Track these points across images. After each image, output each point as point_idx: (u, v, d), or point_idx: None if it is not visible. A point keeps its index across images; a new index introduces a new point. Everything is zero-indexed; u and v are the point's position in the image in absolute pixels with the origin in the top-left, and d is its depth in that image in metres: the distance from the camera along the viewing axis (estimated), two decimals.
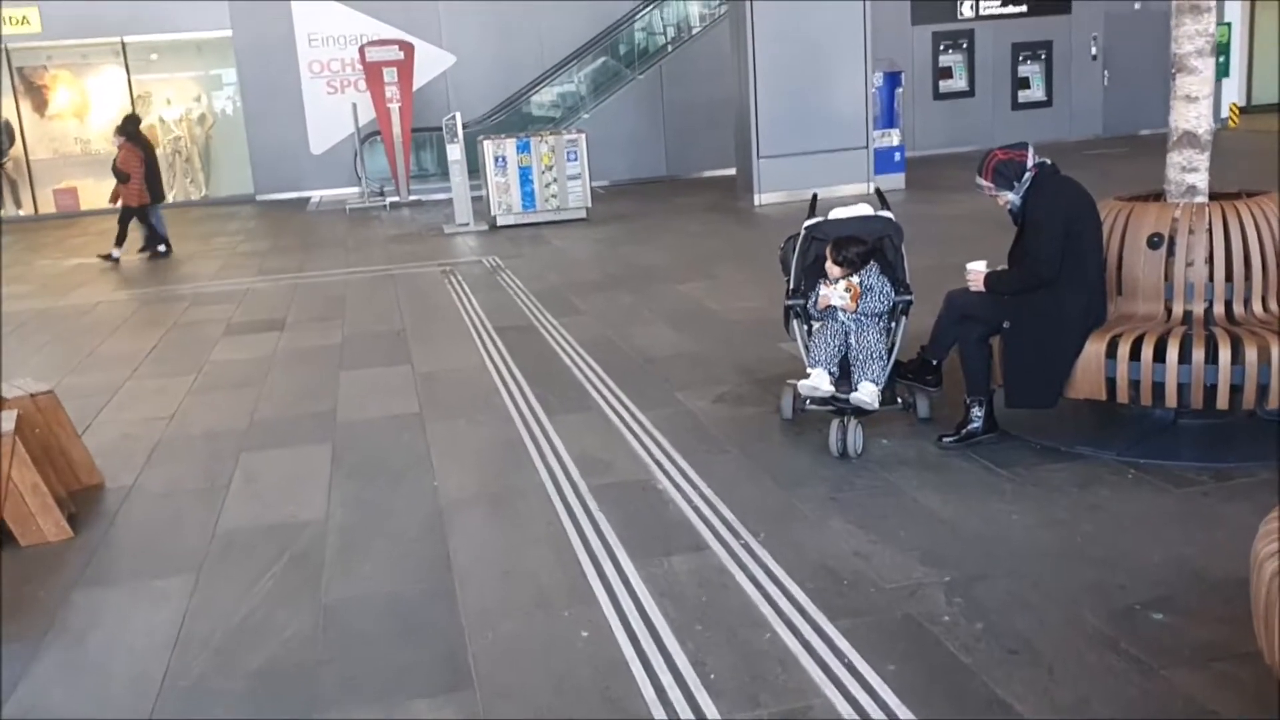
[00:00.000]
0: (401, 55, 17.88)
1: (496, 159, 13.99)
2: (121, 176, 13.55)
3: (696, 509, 4.59)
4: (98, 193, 18.22)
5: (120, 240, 13.67)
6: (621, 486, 4.91)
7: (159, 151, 19.89)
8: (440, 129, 15.16)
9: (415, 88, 18.22)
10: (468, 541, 4.44)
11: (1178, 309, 4.89)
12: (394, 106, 17.84)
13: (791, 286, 5.56)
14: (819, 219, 5.58)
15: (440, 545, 4.41)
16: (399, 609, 3.90)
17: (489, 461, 5.43)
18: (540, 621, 3.73)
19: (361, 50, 18.01)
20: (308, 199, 19.34)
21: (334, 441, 5.85)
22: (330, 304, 9.80)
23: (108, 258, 13.59)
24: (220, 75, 20.59)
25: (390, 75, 17.79)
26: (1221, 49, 19.63)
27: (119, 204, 13.78)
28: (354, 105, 18.12)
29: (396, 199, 18.02)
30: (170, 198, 20.41)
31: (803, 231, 5.60)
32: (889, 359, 5.17)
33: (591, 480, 4.99)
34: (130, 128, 13.90)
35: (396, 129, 17.92)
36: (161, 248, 13.94)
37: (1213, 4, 5.04)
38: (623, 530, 4.41)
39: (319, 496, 5.05)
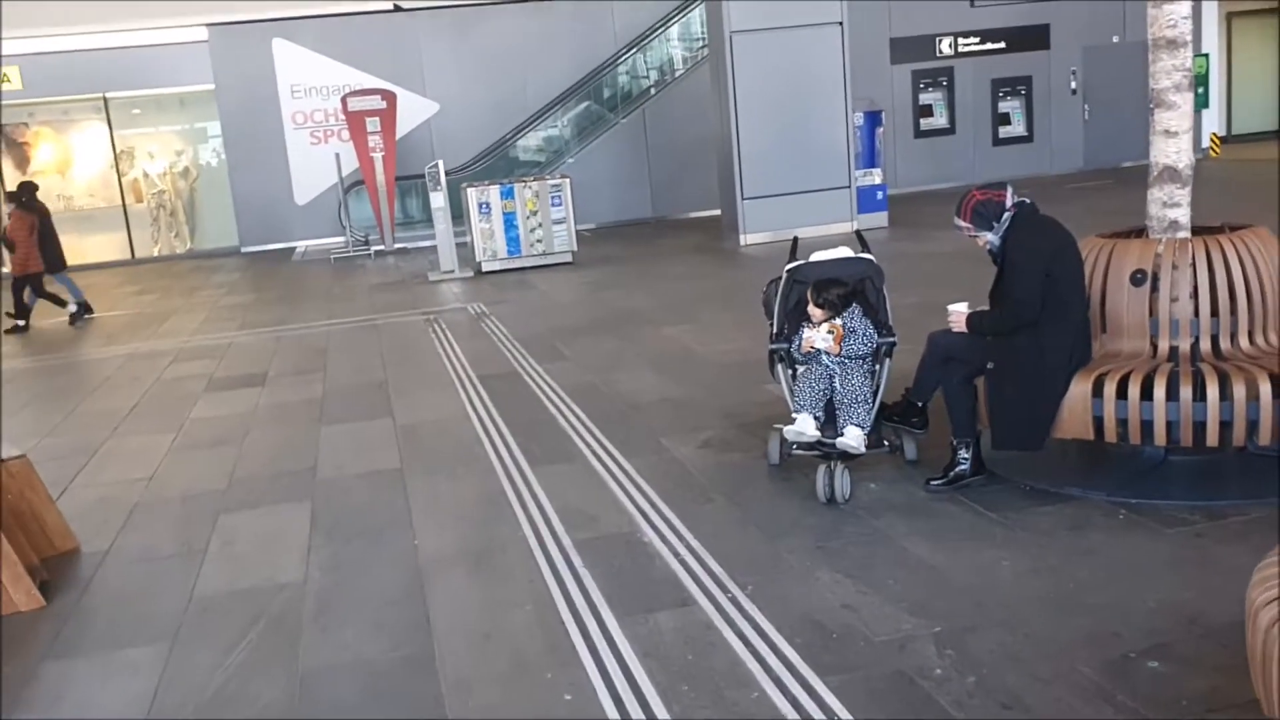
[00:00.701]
0: (384, 104, 17.94)
1: (480, 205, 13.98)
2: (9, 245, 13.00)
3: (683, 561, 4.50)
4: (80, 250, 18.21)
5: (18, 311, 13.00)
6: (606, 540, 4.82)
7: (142, 206, 19.96)
8: (424, 176, 15.17)
9: (398, 136, 18.27)
10: (448, 602, 4.34)
11: (1163, 345, 4.84)
12: (377, 155, 17.87)
13: (775, 330, 5.51)
14: (800, 262, 5.54)
15: (420, 607, 4.30)
16: (377, 676, 3.79)
17: (470, 517, 5.33)
18: (522, 685, 3.62)
19: (344, 100, 18.07)
20: (293, 249, 19.34)
21: (313, 500, 5.75)
22: (312, 356, 9.73)
23: (14, 330, 12.92)
24: (204, 128, 20.64)
25: (373, 124, 17.84)
26: (1200, 80, 19.78)
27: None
28: (337, 155, 18.15)
29: (381, 247, 18.00)
30: (155, 251, 20.48)
31: (784, 275, 5.55)
32: (874, 402, 5.10)
33: (575, 534, 4.90)
34: (23, 195, 13.28)
35: (380, 177, 17.95)
36: (73, 308, 13.32)
37: (1189, 39, 5.03)
38: (607, 586, 4.31)
39: (297, 558, 4.94)
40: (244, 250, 19.64)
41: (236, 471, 6.41)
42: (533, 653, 3.84)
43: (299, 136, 19.41)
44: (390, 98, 18.03)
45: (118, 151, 20.04)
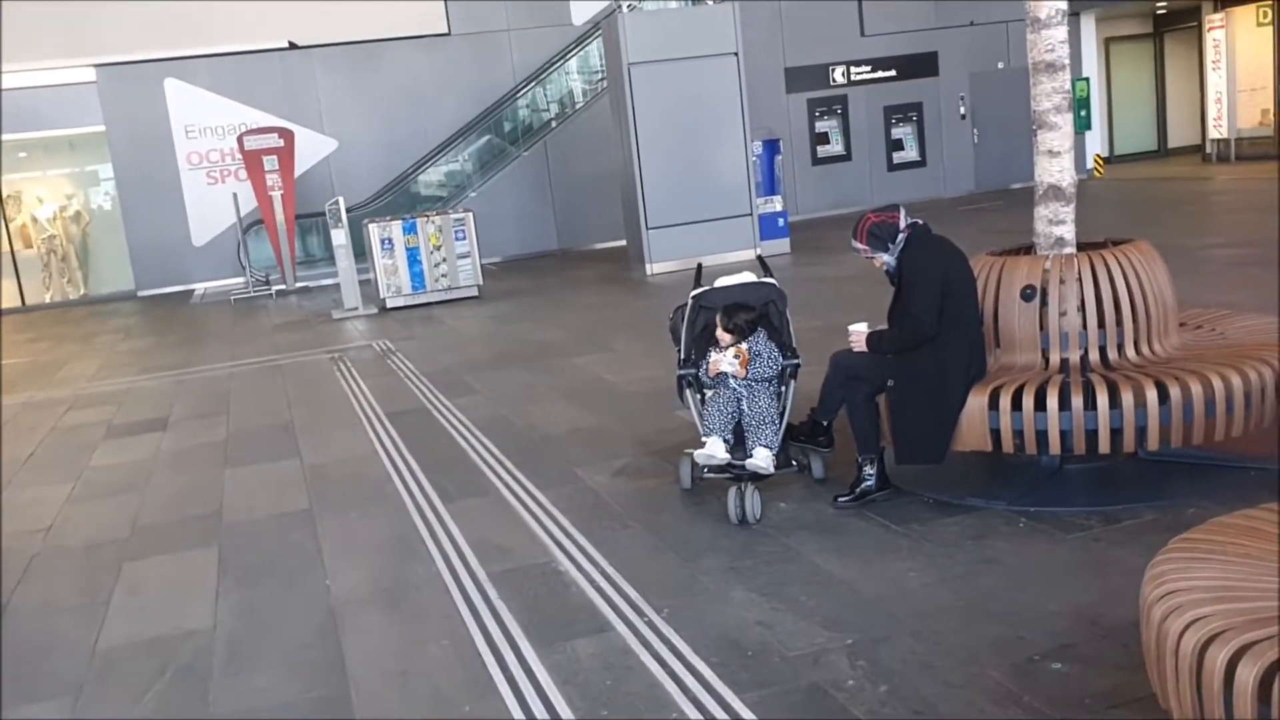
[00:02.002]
0: (281, 142, 17.73)
1: (383, 241, 13.89)
2: None
3: (599, 589, 4.52)
4: None
5: None
6: (522, 571, 4.81)
7: (32, 251, 19.41)
8: (324, 214, 15.03)
9: (297, 174, 18.07)
10: (363, 642, 4.29)
11: (1055, 358, 5.01)
12: (276, 194, 17.65)
13: (683, 356, 5.58)
14: (705, 288, 5.62)
15: (334, 648, 4.25)
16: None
17: (383, 555, 5.28)
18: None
19: (240, 139, 17.83)
20: (191, 291, 18.96)
21: (220, 544, 5.64)
22: (215, 399, 9.54)
23: None
24: (95, 170, 20.19)
25: (271, 163, 17.62)
26: (1081, 103, 20.53)
27: None
28: (235, 195, 17.89)
29: (283, 287, 17.76)
30: (47, 298, 19.90)
31: (690, 301, 5.63)
32: (781, 423, 5.20)
33: (491, 568, 4.88)
34: None
35: (280, 216, 17.72)
36: None
37: (1066, 63, 5.24)
38: (524, 617, 4.31)
39: (205, 604, 4.84)
40: (141, 294, 19.20)
41: (140, 518, 6.26)
42: (450, 687, 3.82)
43: (195, 177, 19.08)
44: (288, 136, 17.84)
45: (4, 196, 19.48)
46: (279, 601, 4.82)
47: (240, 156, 17.96)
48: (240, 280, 18.17)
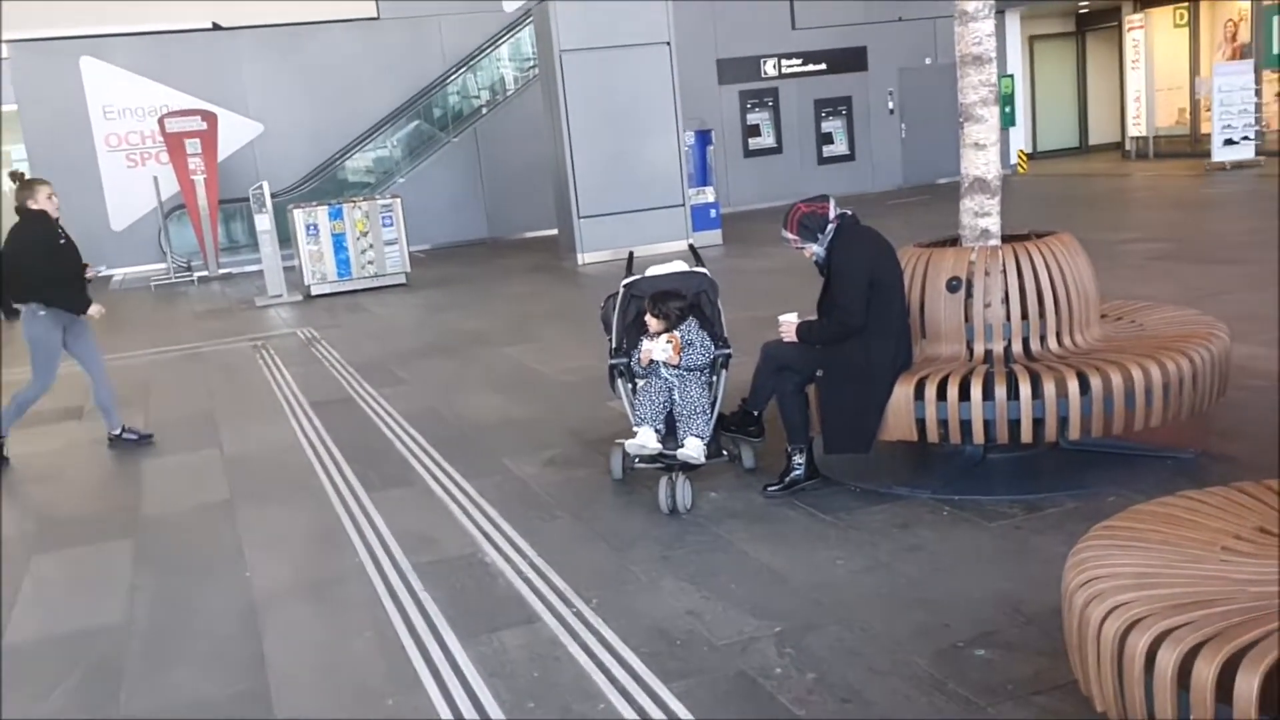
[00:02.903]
0: (204, 125, 17.37)
1: (308, 227, 13.68)
2: None
3: (527, 580, 4.47)
4: None
5: None
6: (448, 563, 4.75)
7: None
8: (249, 199, 14.75)
9: (221, 158, 17.73)
10: (284, 636, 4.20)
11: (979, 349, 5.06)
12: (199, 178, 17.29)
13: (614, 345, 5.55)
14: (636, 277, 5.60)
15: (254, 642, 4.16)
16: (209, 717, 3.64)
17: (305, 547, 5.19)
18: (362, 714, 3.54)
19: (161, 121, 17.42)
20: (110, 278, 18.48)
21: (137, 537, 5.49)
22: (133, 388, 9.29)
23: None
24: (8, 151, 19.58)
25: (193, 146, 17.26)
26: (1006, 99, 20.86)
27: None
28: (156, 178, 17.49)
29: (206, 273, 17.42)
30: None
31: (621, 290, 5.60)
32: (712, 413, 5.19)
33: (416, 559, 4.81)
34: None
35: (202, 201, 17.36)
36: None
37: (993, 56, 5.29)
38: (450, 609, 4.25)
39: (120, 598, 4.71)
40: None
41: (53, 510, 6.09)
42: (373, 680, 3.75)
43: (114, 159, 18.61)
44: (211, 119, 17.47)
45: None
46: (197, 595, 4.70)
47: (162, 139, 17.54)
48: (161, 266, 17.77)
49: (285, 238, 14.25)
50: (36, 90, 18.16)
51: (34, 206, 6.96)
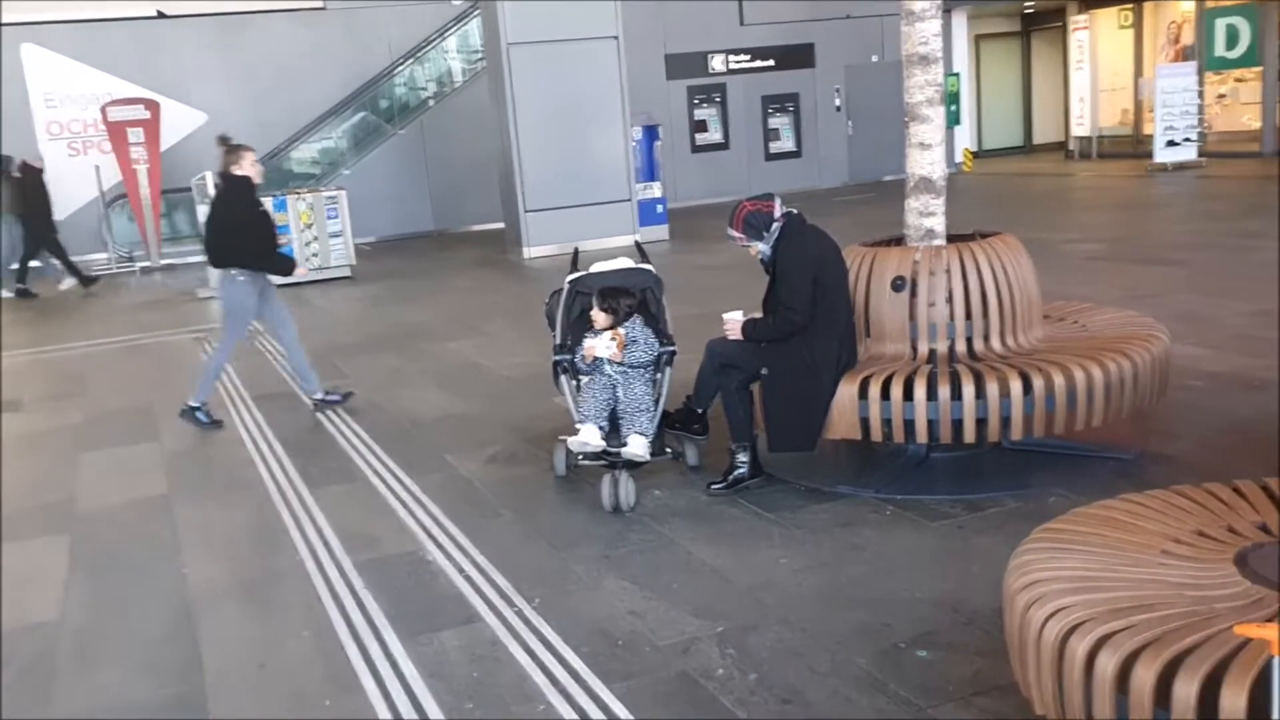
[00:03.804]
0: (147, 114, 17.04)
1: None
2: None
3: (468, 578, 4.43)
4: None
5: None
6: (388, 561, 4.70)
7: None
8: (191, 189, 14.49)
9: (164, 148, 17.38)
10: (220, 635, 4.13)
11: (923, 348, 5.09)
12: (141, 168, 16.96)
13: (558, 341, 5.51)
14: (582, 273, 5.56)
15: (189, 642, 4.08)
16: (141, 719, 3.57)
17: (244, 544, 5.11)
18: (299, 716, 3.48)
19: (104, 110, 17.07)
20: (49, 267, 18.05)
21: (71, 532, 5.38)
22: (70, 380, 9.12)
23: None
24: None
25: (136, 135, 16.92)
26: (951, 98, 21.04)
27: None
28: (97, 167, 17.14)
29: (148, 264, 17.10)
30: None
31: (566, 285, 5.56)
32: (656, 410, 5.18)
33: (356, 556, 4.75)
34: None
35: (145, 191, 17.02)
36: None
37: (940, 56, 5.31)
38: (390, 608, 4.20)
39: (52, 596, 4.60)
40: None
41: None
42: (311, 681, 3.70)
43: (55, 148, 18.15)
44: (154, 107, 17.15)
45: None
46: (132, 593, 4.61)
47: (104, 128, 17.18)
48: (102, 256, 17.42)
49: None
50: None
51: (238, 172, 6.94)
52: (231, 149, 7.07)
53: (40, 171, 15.06)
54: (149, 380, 8.90)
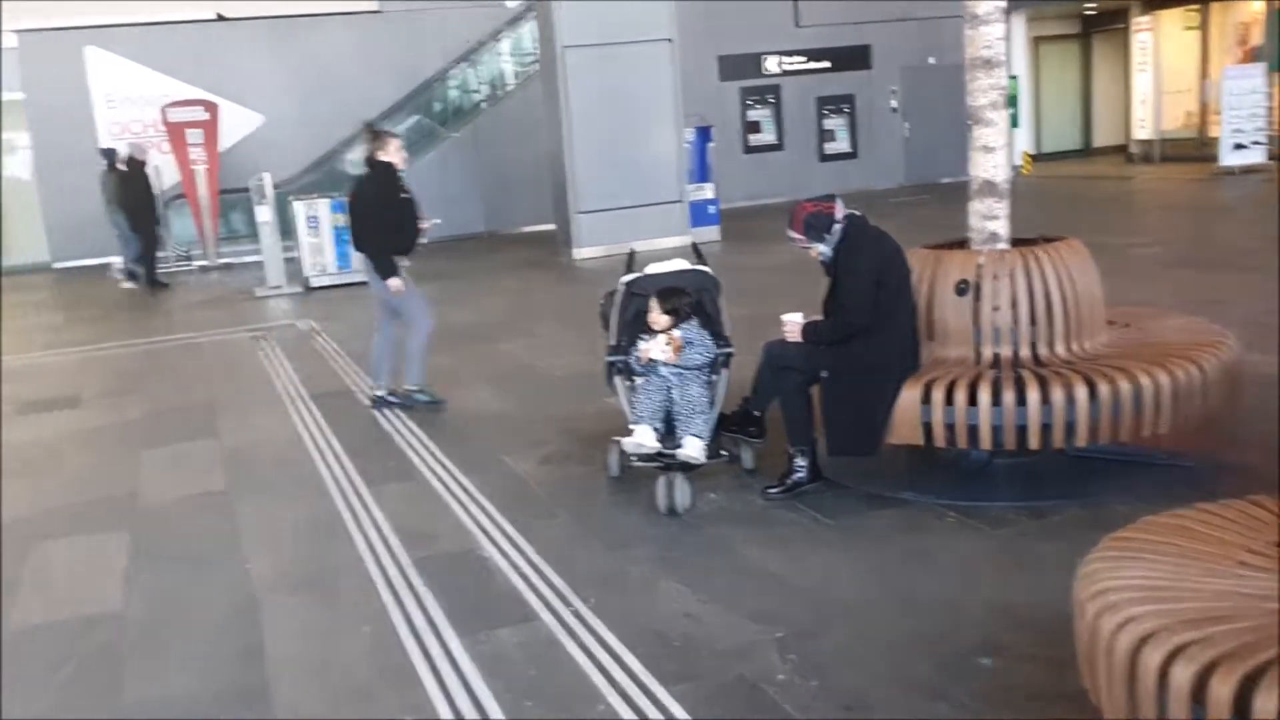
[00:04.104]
0: (206, 115, 17.31)
1: (309, 219, 13.62)
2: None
3: (524, 577, 4.44)
4: None
5: None
6: (446, 558, 4.72)
7: None
8: (249, 190, 14.69)
9: (222, 148, 17.65)
10: (281, 629, 4.17)
11: (987, 353, 5.02)
12: (199, 168, 17.23)
13: (613, 342, 5.50)
14: (637, 274, 5.55)
15: (252, 635, 4.12)
16: (206, 709, 3.61)
17: (304, 540, 5.15)
18: (360, 710, 3.51)
19: (164, 111, 17.35)
20: (109, 265, 18.36)
21: (133, 527, 5.45)
22: (130, 377, 9.27)
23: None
24: (12, 139, 19.49)
25: (195, 136, 17.20)
26: (1010, 101, 20.79)
27: None
28: (157, 167, 17.39)
29: (205, 263, 17.34)
30: None
31: (621, 287, 5.55)
32: (712, 412, 5.15)
33: (414, 553, 4.77)
34: None
35: (203, 191, 17.30)
36: None
37: (1004, 59, 5.25)
38: (447, 605, 4.22)
39: (117, 588, 4.67)
40: (56, 266, 18.62)
41: (50, 499, 6.03)
42: (371, 676, 3.72)
43: (116, 148, 18.48)
44: (212, 109, 17.42)
45: None
46: (195, 586, 4.66)
47: (164, 128, 17.47)
48: (161, 255, 17.68)
49: (287, 229, 14.20)
50: (42, 79, 18.09)
51: (383, 158, 7.02)
52: (376, 135, 7.16)
53: (143, 165, 15.52)
54: (207, 378, 9.02)
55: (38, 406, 8.43)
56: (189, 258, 17.35)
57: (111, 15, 17.80)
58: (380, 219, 7.00)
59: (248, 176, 15.30)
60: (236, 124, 18.47)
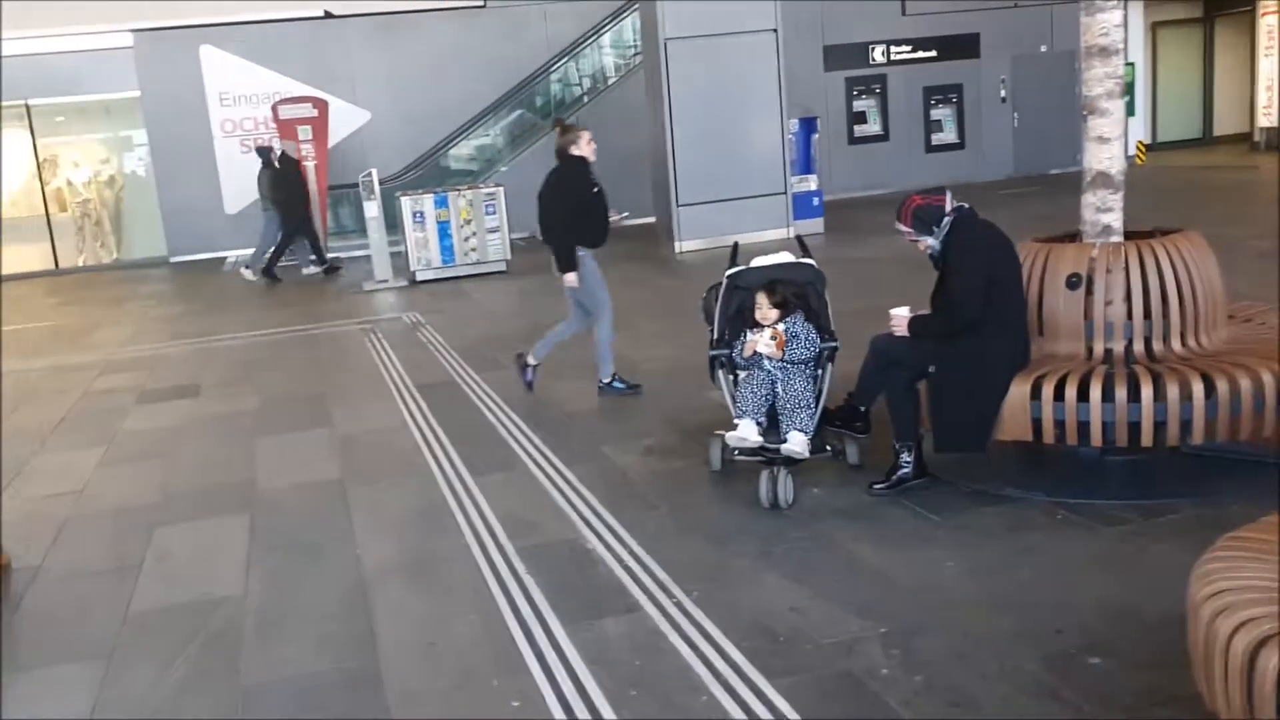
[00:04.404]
0: (315, 112, 17.71)
1: (414, 214, 13.87)
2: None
3: (627, 568, 4.48)
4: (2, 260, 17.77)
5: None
6: (550, 547, 4.79)
7: (67, 215, 19.52)
8: (357, 185, 15.01)
9: (331, 145, 18.04)
10: (392, 614, 4.28)
11: (1099, 348, 4.92)
12: (310, 164, 17.63)
13: (716, 336, 5.51)
14: (741, 267, 5.55)
15: (363, 619, 4.24)
16: (321, 690, 3.73)
17: (413, 527, 5.28)
18: (469, 695, 3.59)
19: (275, 108, 17.80)
20: (223, 259, 18.97)
21: (251, 512, 5.64)
22: (245, 367, 9.56)
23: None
24: (130, 136, 20.21)
25: (305, 133, 17.59)
26: (1127, 89, 20.21)
27: None
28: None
29: (313, 257, 17.73)
30: (80, 262, 20.01)
31: (725, 280, 5.56)
32: (817, 407, 5.13)
33: (519, 542, 4.86)
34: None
35: (313, 186, 17.68)
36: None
37: (1120, 47, 5.12)
38: (552, 593, 4.29)
39: (236, 572, 4.85)
40: (173, 260, 19.25)
41: (171, 484, 6.28)
42: (479, 662, 3.80)
43: (229, 144, 19.06)
44: (322, 105, 17.81)
45: (40, 160, 19.56)
46: (310, 571, 4.81)
47: (275, 125, 17.94)
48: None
49: (392, 224, 14.48)
50: (158, 77, 18.71)
51: (575, 152, 7.20)
52: (567, 129, 7.31)
53: (297, 162, 16.15)
54: (320, 369, 9.26)
55: (159, 395, 8.76)
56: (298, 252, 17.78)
57: (224, 14, 18.32)
58: (567, 212, 7.08)
59: (353, 172, 15.65)
60: (344, 120, 18.86)
